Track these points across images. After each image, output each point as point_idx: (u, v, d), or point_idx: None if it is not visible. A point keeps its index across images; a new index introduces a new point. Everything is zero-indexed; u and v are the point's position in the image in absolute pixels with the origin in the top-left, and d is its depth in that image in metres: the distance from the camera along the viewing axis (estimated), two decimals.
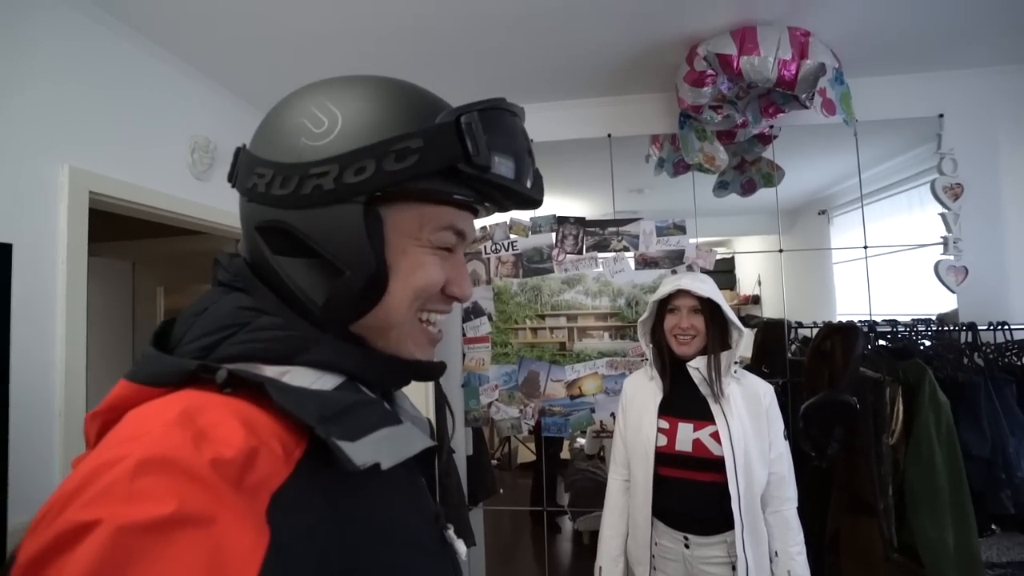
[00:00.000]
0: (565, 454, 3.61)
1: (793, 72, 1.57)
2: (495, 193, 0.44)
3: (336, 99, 0.41)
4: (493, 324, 2.05)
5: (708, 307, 1.25)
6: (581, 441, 3.40)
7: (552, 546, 3.16)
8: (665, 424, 1.26)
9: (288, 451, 0.34)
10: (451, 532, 0.50)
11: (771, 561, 1.18)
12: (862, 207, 2.16)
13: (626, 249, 2.01)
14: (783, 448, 1.23)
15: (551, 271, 2.02)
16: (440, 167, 0.40)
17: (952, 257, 1.94)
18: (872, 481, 1.51)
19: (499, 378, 2.04)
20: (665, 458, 1.24)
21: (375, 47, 1.68)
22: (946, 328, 1.68)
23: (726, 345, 1.26)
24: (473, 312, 2.06)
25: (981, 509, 1.46)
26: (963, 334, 1.68)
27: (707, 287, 1.24)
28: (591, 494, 3.10)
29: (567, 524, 3.31)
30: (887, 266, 3.54)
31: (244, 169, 0.43)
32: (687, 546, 1.22)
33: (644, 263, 2.00)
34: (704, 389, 1.24)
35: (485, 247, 2.06)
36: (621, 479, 1.38)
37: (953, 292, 1.93)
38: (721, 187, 2.42)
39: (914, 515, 1.48)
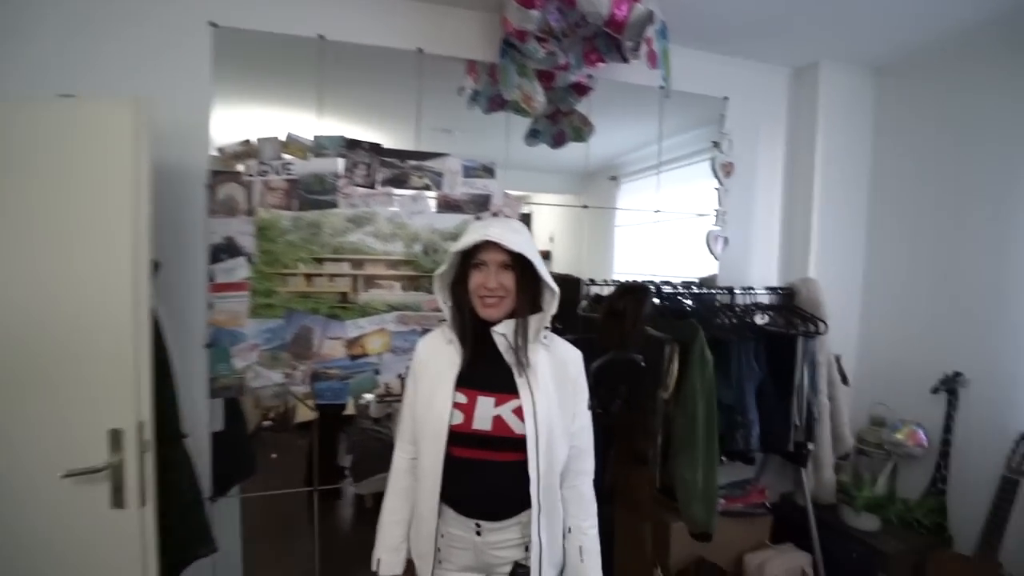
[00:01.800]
0: (350, 410, 3.29)
1: (624, 13, 1.46)
2: None
3: None
4: (254, 268, 1.58)
5: (520, 263, 1.06)
6: (368, 397, 3.12)
7: (330, 514, 2.85)
8: (463, 398, 1.06)
9: None
10: None
11: (563, 537, 1.09)
12: (659, 173, 2.25)
13: (428, 188, 1.74)
14: (586, 420, 1.14)
15: (335, 205, 1.64)
16: None
17: (719, 228, 2.17)
18: (647, 434, 1.59)
19: (259, 336, 1.61)
20: (460, 438, 1.04)
21: None
22: (714, 291, 1.85)
23: (537, 307, 1.09)
24: (225, 250, 1.56)
25: (720, 447, 1.65)
26: (725, 296, 1.87)
27: (520, 239, 1.05)
28: (375, 456, 2.87)
29: (349, 490, 3.04)
30: (662, 232, 3.95)
31: None
32: (479, 533, 1.06)
33: (447, 206, 1.76)
34: (509, 357, 1.07)
35: (247, 166, 1.56)
36: (408, 457, 1.15)
37: (716, 259, 2.16)
38: (532, 135, 2.29)
39: (674, 458, 1.60)
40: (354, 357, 1.68)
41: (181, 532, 1.30)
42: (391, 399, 1.73)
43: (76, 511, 1.18)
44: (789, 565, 1.85)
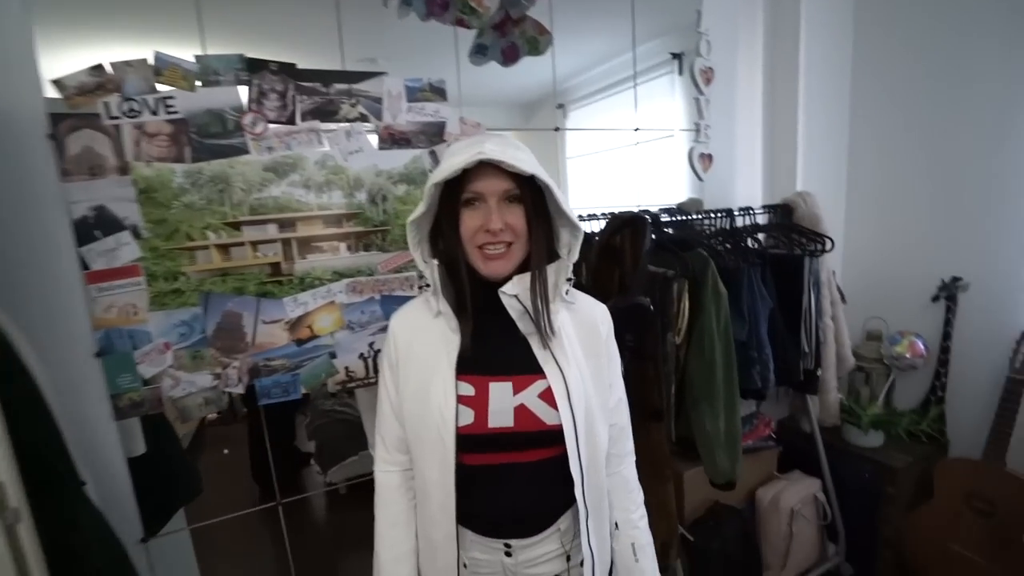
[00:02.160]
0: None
1: None
2: None
3: None
4: (145, 244, 1.19)
5: (530, 192, 0.76)
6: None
7: (301, 516, 2.57)
8: (469, 389, 0.78)
9: None
10: None
11: (610, 535, 0.87)
12: (635, 85, 1.94)
13: (364, 119, 1.36)
14: (622, 390, 0.90)
15: (244, 151, 1.24)
16: None
17: (703, 143, 1.92)
18: (659, 385, 1.38)
19: (170, 332, 1.24)
20: (472, 442, 0.77)
21: None
22: (714, 215, 1.62)
23: (554, 254, 0.81)
24: (97, 225, 1.15)
25: None
26: (720, 220, 1.66)
27: (527, 157, 0.75)
28: (342, 439, 2.59)
29: (316, 477, 2.76)
30: (623, 159, 3.66)
31: None
32: (508, 554, 0.82)
33: (391, 140, 1.39)
34: (526, 326, 0.79)
35: (107, 105, 1.12)
36: (398, 470, 0.88)
37: (701, 180, 1.93)
38: (479, 52, 1.90)
39: (694, 409, 1.42)
40: (301, 341, 1.35)
41: None
42: (355, 384, 1.42)
43: None
44: (802, 494, 1.78)
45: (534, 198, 0.76)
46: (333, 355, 1.38)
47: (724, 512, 1.69)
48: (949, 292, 1.79)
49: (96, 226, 1.14)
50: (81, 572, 0.95)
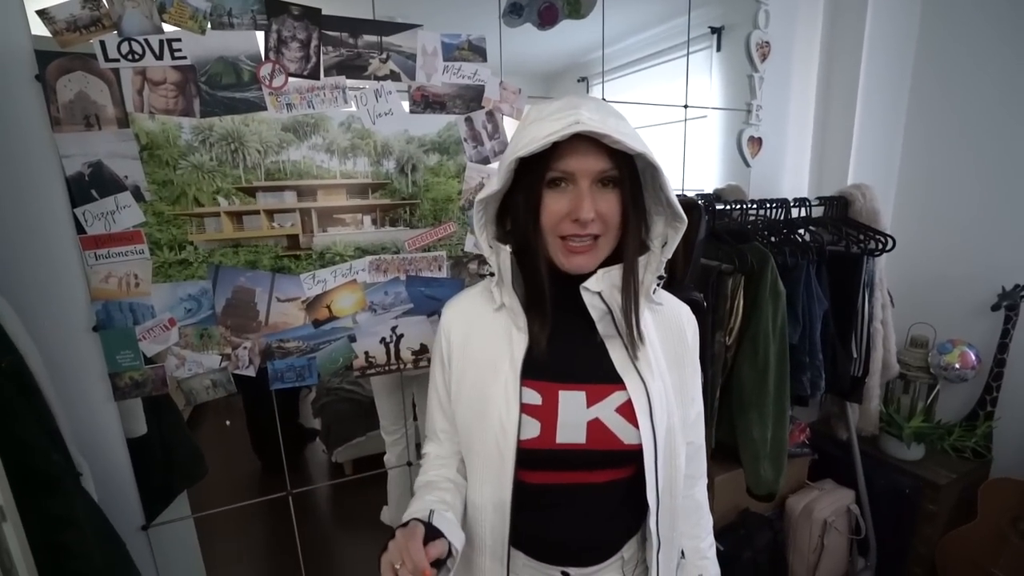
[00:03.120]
0: None
1: None
2: None
3: None
4: (148, 207, 1.06)
5: (628, 172, 0.63)
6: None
7: (308, 503, 2.49)
8: (535, 397, 0.66)
9: None
10: None
11: (676, 566, 0.77)
12: (688, 55, 1.78)
13: (394, 78, 1.21)
14: (701, 404, 0.79)
15: (261, 106, 1.10)
16: None
17: (753, 126, 1.77)
18: (704, 388, 1.27)
19: (176, 306, 1.12)
20: (536, 458, 0.66)
21: None
22: (769, 205, 1.48)
23: (644, 245, 0.68)
24: (95, 183, 1.01)
25: None
26: (774, 211, 1.52)
27: (630, 130, 0.61)
28: (350, 418, 2.50)
29: (320, 455, 2.69)
30: (662, 138, 3.47)
31: None
32: None
33: (424, 103, 1.25)
34: (606, 328, 0.67)
35: (104, 45, 0.97)
36: (450, 452, 0.77)
37: (748, 165, 1.78)
38: (514, 12, 1.73)
39: (741, 416, 1.31)
40: (318, 323, 1.23)
41: None
42: (375, 371, 1.31)
43: None
44: (836, 505, 1.69)
45: (632, 181, 0.63)
46: (352, 338, 1.27)
47: (755, 521, 1.61)
48: (1012, 301, 1.66)
49: (93, 185, 1.01)
50: (78, 570, 0.85)
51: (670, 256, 0.68)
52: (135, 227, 1.05)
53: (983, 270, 1.77)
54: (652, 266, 0.68)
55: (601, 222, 0.62)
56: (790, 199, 1.53)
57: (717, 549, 0.81)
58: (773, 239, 1.47)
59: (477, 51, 1.29)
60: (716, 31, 2.90)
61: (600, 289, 0.65)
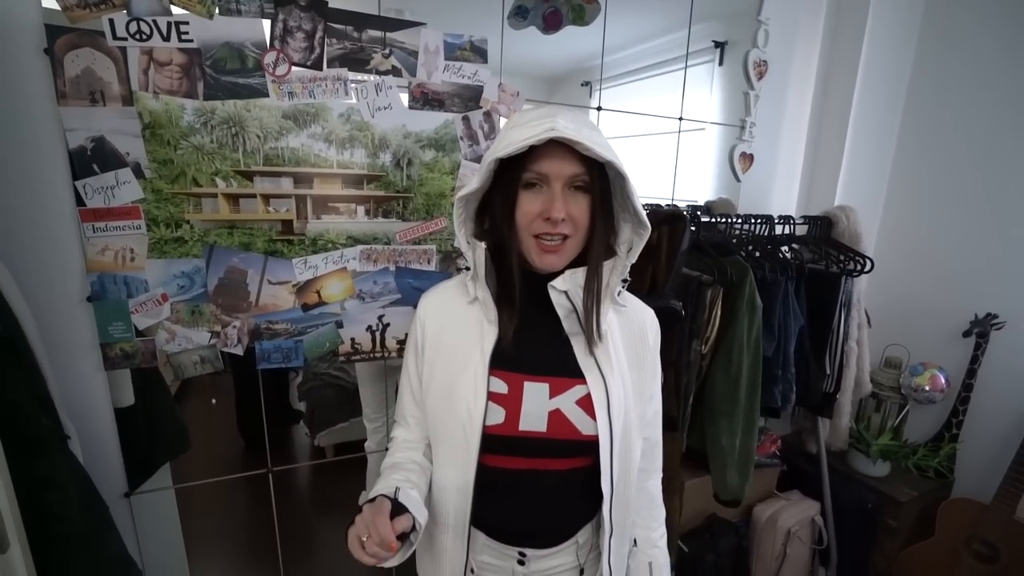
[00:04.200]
0: None
1: None
2: None
3: None
4: (147, 184, 1.09)
5: (598, 179, 0.67)
6: None
7: (286, 475, 2.53)
8: (502, 386, 0.71)
9: None
10: None
11: (628, 553, 0.82)
12: (686, 68, 1.82)
13: (395, 73, 1.24)
14: (659, 402, 0.83)
15: (263, 93, 1.13)
16: None
17: (746, 142, 1.81)
18: (677, 394, 1.32)
19: (169, 282, 1.15)
20: (500, 443, 0.71)
21: None
22: (753, 220, 1.53)
23: (610, 250, 0.73)
24: (96, 158, 1.04)
25: None
26: (758, 227, 1.56)
27: (602, 139, 0.65)
28: (334, 404, 2.54)
29: (303, 438, 2.72)
30: (640, 149, 3.52)
31: None
32: (522, 563, 0.76)
33: (423, 100, 1.28)
34: (571, 325, 0.72)
35: (112, 23, 1.00)
36: (418, 436, 0.81)
37: (739, 180, 1.82)
38: (519, 15, 1.77)
39: (711, 423, 1.36)
40: (307, 307, 1.27)
41: (80, 567, 0.92)
42: (360, 357, 1.34)
43: None
44: (801, 516, 1.74)
45: (602, 188, 0.67)
46: (340, 324, 1.30)
47: (720, 525, 1.65)
48: (982, 329, 1.71)
49: (94, 159, 1.04)
50: (60, 533, 0.88)
51: (634, 261, 0.73)
52: (133, 203, 1.08)
53: (958, 297, 1.82)
54: (617, 270, 0.72)
55: (571, 223, 0.66)
56: (775, 216, 1.57)
57: (681, 550, 0.85)
58: (757, 254, 1.52)
59: (478, 52, 1.32)
60: (720, 45, 2.94)
61: (566, 288, 0.69)
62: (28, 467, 0.82)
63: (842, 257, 1.59)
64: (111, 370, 1.15)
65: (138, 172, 1.07)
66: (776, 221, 1.57)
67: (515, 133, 0.63)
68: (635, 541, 0.83)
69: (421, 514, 0.67)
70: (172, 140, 1.08)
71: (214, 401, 2.99)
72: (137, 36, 1.01)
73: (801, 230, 1.68)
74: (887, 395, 1.86)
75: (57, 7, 0.94)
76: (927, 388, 1.76)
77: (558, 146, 0.63)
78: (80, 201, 1.04)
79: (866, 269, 1.57)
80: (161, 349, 1.17)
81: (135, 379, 1.25)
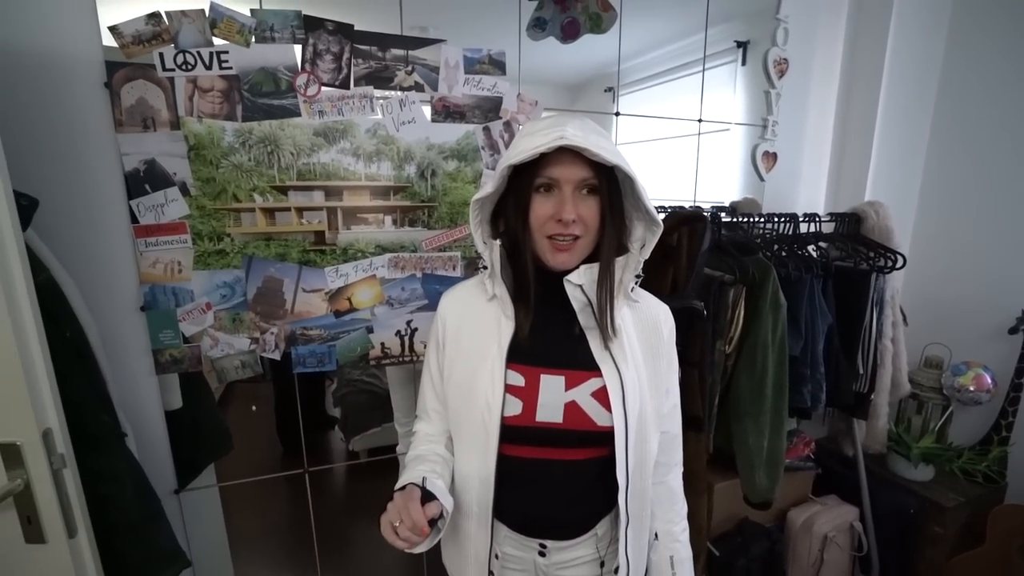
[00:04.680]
0: None
1: None
2: None
3: None
4: (192, 201, 1.17)
5: (607, 182, 0.70)
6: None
7: (325, 481, 2.62)
8: (519, 379, 0.74)
9: None
10: None
11: (648, 546, 0.83)
12: (703, 71, 1.83)
13: (418, 88, 1.31)
14: (677, 397, 0.85)
15: (295, 113, 1.21)
16: None
17: (768, 141, 1.80)
18: (702, 394, 1.32)
19: (212, 292, 1.23)
20: (517, 434, 0.74)
21: None
22: (778, 219, 1.52)
23: (623, 247, 0.75)
24: (148, 179, 1.14)
25: None
26: (783, 225, 1.55)
27: (610, 145, 0.68)
28: (366, 409, 2.62)
29: (339, 443, 2.81)
30: (664, 151, 3.51)
31: None
32: (543, 554, 0.79)
33: (445, 112, 1.34)
34: (586, 320, 0.75)
35: (162, 56, 1.09)
36: (440, 429, 0.86)
37: (763, 179, 1.81)
38: (537, 26, 1.82)
39: (737, 423, 1.35)
40: (339, 313, 1.33)
41: (135, 557, 1.00)
42: (389, 361, 1.40)
43: None
44: (837, 521, 1.69)
45: (611, 189, 0.70)
46: (370, 330, 1.36)
47: (752, 529, 1.63)
48: None
49: (146, 180, 1.13)
50: (119, 522, 0.96)
51: (647, 257, 0.75)
52: (180, 219, 1.17)
53: (1002, 293, 1.74)
54: (631, 266, 0.75)
55: (582, 224, 0.70)
56: (799, 214, 1.55)
57: (712, 554, 0.86)
58: (784, 253, 1.50)
59: (497, 65, 1.38)
60: (742, 45, 2.92)
61: (581, 283, 0.72)
62: (90, 461, 0.90)
63: (872, 254, 1.56)
64: (161, 374, 1.24)
65: (184, 190, 1.16)
66: (801, 219, 1.55)
67: (527, 141, 0.67)
68: (656, 535, 0.84)
69: (448, 501, 0.71)
70: (214, 160, 1.17)
71: (254, 408, 3.12)
72: (183, 66, 1.10)
73: (828, 227, 1.65)
74: (928, 396, 1.79)
75: (115, 44, 1.04)
76: (971, 388, 1.69)
77: (567, 152, 0.67)
78: (134, 219, 1.13)
79: (898, 265, 1.53)
80: (206, 354, 1.26)
81: (182, 385, 1.34)
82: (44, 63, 1.00)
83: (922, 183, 2.01)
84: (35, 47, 0.99)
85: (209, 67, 1.13)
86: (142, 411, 1.21)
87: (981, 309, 1.81)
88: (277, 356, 1.30)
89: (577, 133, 0.65)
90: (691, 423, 1.34)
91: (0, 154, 0.71)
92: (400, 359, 1.40)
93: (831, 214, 1.64)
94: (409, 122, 1.31)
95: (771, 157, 1.81)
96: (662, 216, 1.37)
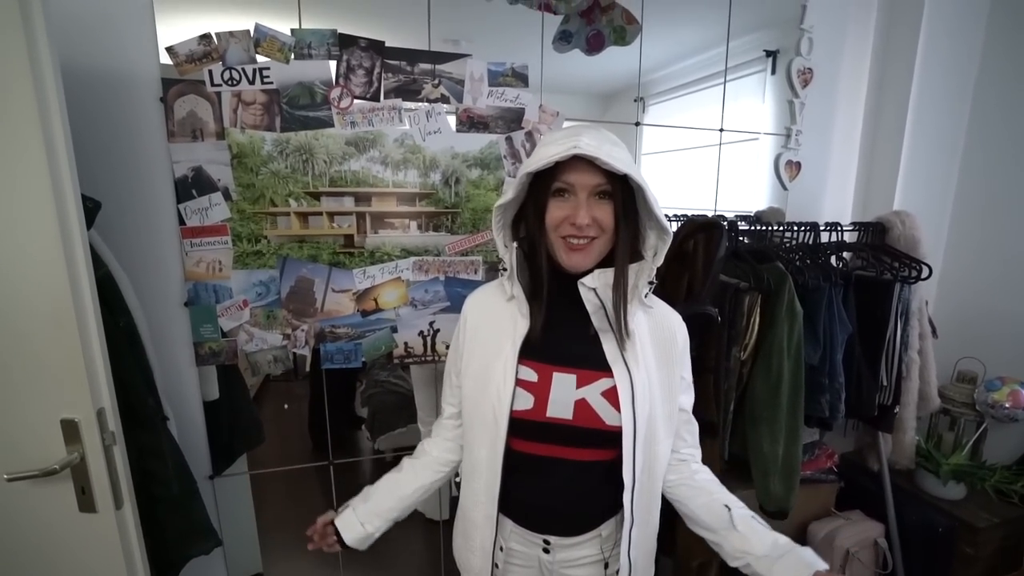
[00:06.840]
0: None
1: None
2: None
3: None
4: (233, 206, 1.27)
5: (621, 189, 0.74)
6: None
7: (348, 474, 2.70)
8: (531, 374, 0.78)
9: None
10: None
11: (729, 512, 0.82)
12: (725, 83, 1.85)
13: (444, 100, 1.37)
14: (688, 404, 0.87)
15: (329, 124, 1.29)
16: None
17: (792, 150, 1.80)
18: (717, 400, 1.33)
19: (249, 290, 1.32)
20: (526, 428, 0.77)
21: None
22: (798, 228, 1.52)
23: (637, 253, 0.79)
24: (195, 184, 1.24)
25: None
26: (804, 234, 1.55)
27: (623, 155, 0.73)
28: (392, 409, 2.69)
29: (365, 442, 2.89)
30: (690, 161, 3.51)
31: None
32: (547, 550, 0.82)
33: (469, 123, 1.40)
34: (600, 322, 0.78)
35: (211, 73, 1.20)
36: (447, 443, 0.94)
37: (786, 189, 1.81)
38: (563, 39, 1.87)
39: (752, 429, 1.35)
40: (366, 313, 1.40)
41: (173, 529, 1.08)
42: (412, 360, 1.46)
43: (38, 519, 0.95)
44: (861, 536, 1.65)
45: (624, 196, 0.74)
46: (394, 329, 1.42)
47: None
48: None
49: (194, 185, 1.23)
50: (160, 496, 1.04)
51: (660, 263, 0.78)
52: (222, 221, 1.27)
53: None
54: (644, 272, 0.78)
55: (596, 226, 0.74)
56: (820, 223, 1.55)
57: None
58: (807, 261, 1.50)
59: (519, 77, 1.43)
60: (771, 54, 2.91)
61: (595, 286, 0.76)
62: (137, 438, 0.99)
63: (896, 264, 1.53)
64: (201, 366, 1.33)
65: (227, 195, 1.26)
66: (822, 228, 1.54)
67: (544, 150, 0.72)
68: (727, 506, 0.82)
69: (371, 523, 0.94)
70: (254, 167, 1.26)
71: (286, 406, 3.24)
72: (230, 82, 1.20)
73: (851, 237, 1.63)
74: (960, 412, 1.74)
75: (170, 63, 1.15)
76: (1007, 405, 1.63)
77: (582, 161, 0.71)
78: (181, 221, 1.23)
79: (923, 276, 1.50)
80: (242, 349, 1.34)
81: (219, 377, 1.43)
82: (110, 81, 1.11)
83: (956, 193, 1.96)
84: (103, 67, 1.10)
85: (252, 82, 1.22)
86: (183, 399, 1.30)
87: (1017, 322, 1.75)
88: (307, 352, 1.38)
89: (591, 143, 0.69)
90: (707, 429, 1.35)
91: (72, 163, 0.80)
92: (423, 358, 1.46)
93: (854, 223, 1.63)
94: (435, 132, 1.38)
95: (794, 166, 1.81)
96: (677, 224, 1.40)
